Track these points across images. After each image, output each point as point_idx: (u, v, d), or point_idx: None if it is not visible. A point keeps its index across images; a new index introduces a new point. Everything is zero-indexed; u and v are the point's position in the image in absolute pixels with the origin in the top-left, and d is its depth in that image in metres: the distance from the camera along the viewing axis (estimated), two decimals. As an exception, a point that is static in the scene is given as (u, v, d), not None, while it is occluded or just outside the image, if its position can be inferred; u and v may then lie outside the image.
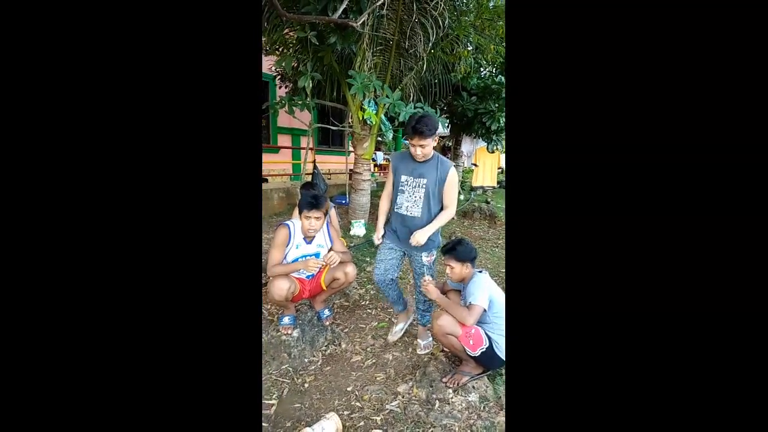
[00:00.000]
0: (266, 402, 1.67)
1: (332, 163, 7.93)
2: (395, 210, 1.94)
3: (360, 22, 2.76)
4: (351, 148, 4.39)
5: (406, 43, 3.69)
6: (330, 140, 8.23)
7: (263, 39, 3.74)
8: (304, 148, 6.08)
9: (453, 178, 1.84)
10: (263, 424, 1.54)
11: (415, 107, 3.51)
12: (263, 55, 4.20)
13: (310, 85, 3.21)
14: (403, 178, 1.89)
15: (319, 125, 4.37)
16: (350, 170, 4.69)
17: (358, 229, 4.07)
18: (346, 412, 1.62)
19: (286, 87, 5.09)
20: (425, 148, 1.76)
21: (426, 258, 1.92)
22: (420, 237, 1.80)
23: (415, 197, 1.86)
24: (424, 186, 1.83)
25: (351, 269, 2.15)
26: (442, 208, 1.90)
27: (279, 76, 5.24)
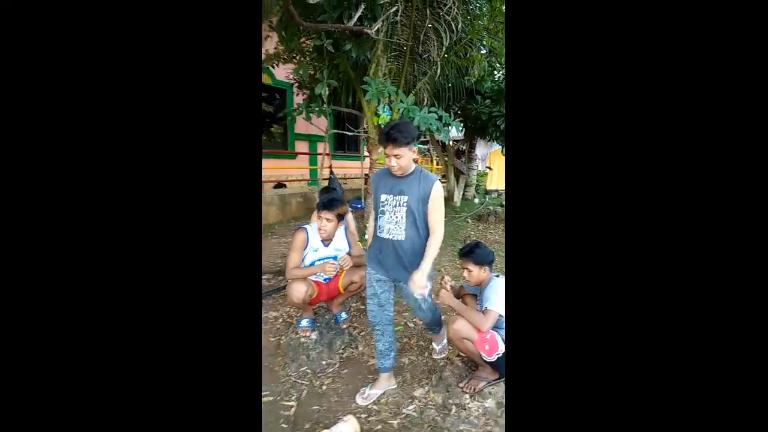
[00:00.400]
0: (285, 404, 1.71)
1: (348, 168, 8.01)
2: (378, 235, 1.69)
3: (375, 29, 2.80)
4: (366, 153, 4.43)
5: (420, 49, 3.72)
6: (345, 146, 8.32)
7: (281, 48, 3.84)
8: (320, 154, 6.16)
9: (437, 194, 1.59)
10: (283, 425, 1.58)
11: (429, 111, 3.53)
12: (281, 64, 4.30)
13: (327, 92, 3.27)
14: (383, 197, 1.65)
15: (336, 131, 4.44)
16: (365, 175, 4.73)
17: (374, 233, 4.09)
18: (363, 415, 1.64)
19: (303, 94, 5.19)
20: (401, 158, 1.53)
21: (420, 289, 1.67)
22: (419, 280, 1.55)
23: (397, 217, 1.61)
24: (405, 204, 1.59)
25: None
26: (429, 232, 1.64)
27: (296, 84, 5.35)
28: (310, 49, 3.80)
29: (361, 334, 2.32)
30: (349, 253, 2.20)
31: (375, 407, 1.70)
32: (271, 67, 4.68)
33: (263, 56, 4.45)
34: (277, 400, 1.73)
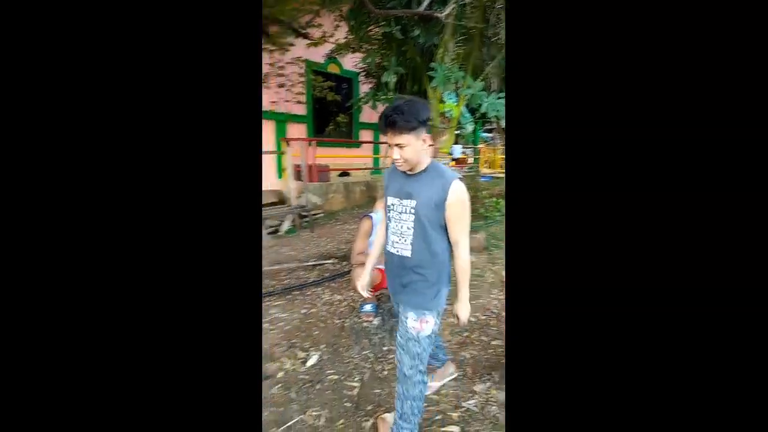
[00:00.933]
0: (349, 384, 1.79)
1: (410, 157, 7.99)
2: (386, 247, 1.36)
3: (445, 13, 2.72)
4: (429, 142, 4.38)
5: (490, 32, 3.53)
6: (408, 133, 8.27)
7: (350, 37, 3.90)
8: (384, 143, 6.22)
9: (456, 198, 1.17)
10: (346, 404, 1.65)
11: (498, 98, 3.36)
12: (350, 53, 4.38)
13: (394, 80, 3.26)
14: (389, 200, 1.30)
15: (400, 119, 4.43)
16: (429, 164, 4.67)
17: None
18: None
19: (369, 83, 5.26)
20: (404, 149, 1.15)
21: (413, 322, 1.26)
22: (462, 313, 1.30)
23: (402, 228, 1.24)
24: (412, 211, 1.21)
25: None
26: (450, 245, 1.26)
27: (363, 73, 5.43)
28: (378, 37, 3.82)
29: (422, 323, 2.33)
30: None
31: (435, 397, 1.70)
32: (339, 57, 4.80)
33: (333, 46, 4.57)
34: (341, 379, 1.82)
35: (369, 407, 1.64)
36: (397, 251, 1.28)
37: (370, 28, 3.73)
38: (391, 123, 1.13)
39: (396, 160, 1.19)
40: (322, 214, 5.44)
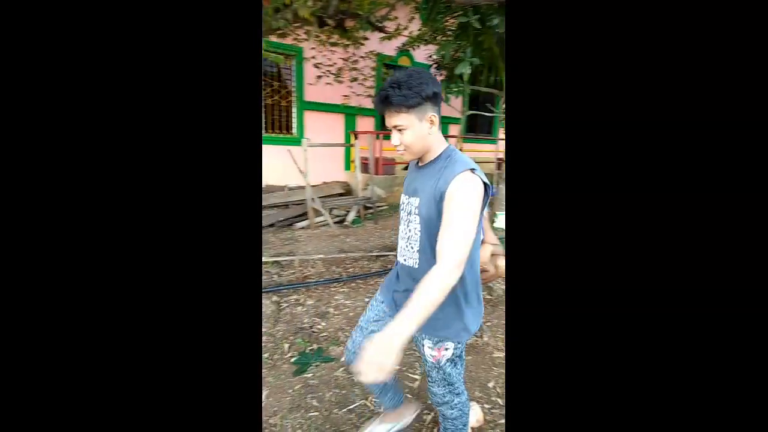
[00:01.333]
0: (410, 376, 1.79)
1: (479, 152, 7.73)
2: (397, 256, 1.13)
3: (530, -1, 2.55)
4: (502, 136, 4.18)
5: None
6: (477, 128, 8.00)
7: (424, 29, 3.86)
8: (453, 137, 6.10)
9: (455, 188, 0.87)
10: (407, 395, 1.65)
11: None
12: (423, 45, 4.33)
13: (469, 71, 3.16)
14: (401, 197, 1.07)
15: (472, 112, 4.29)
16: (498, 159, 4.48)
17: (503, 221, 3.89)
18: (486, 406, 1.60)
19: (441, 75, 5.16)
20: (404, 132, 0.90)
21: (430, 350, 1.03)
22: (370, 353, 0.73)
23: (410, 231, 1.00)
24: (416, 211, 0.97)
25: (502, 263, 2.07)
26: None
27: (435, 65, 5.34)
28: (453, 28, 3.72)
29: (487, 324, 2.25)
30: (484, 241, 2.13)
31: (499, 401, 1.64)
32: (411, 50, 4.77)
33: (406, 39, 4.55)
34: (403, 370, 1.82)
35: (429, 401, 1.62)
36: (405, 260, 1.03)
37: (445, 18, 3.64)
38: (386, 101, 0.88)
39: (396, 147, 0.94)
40: (386, 207, 5.51)
